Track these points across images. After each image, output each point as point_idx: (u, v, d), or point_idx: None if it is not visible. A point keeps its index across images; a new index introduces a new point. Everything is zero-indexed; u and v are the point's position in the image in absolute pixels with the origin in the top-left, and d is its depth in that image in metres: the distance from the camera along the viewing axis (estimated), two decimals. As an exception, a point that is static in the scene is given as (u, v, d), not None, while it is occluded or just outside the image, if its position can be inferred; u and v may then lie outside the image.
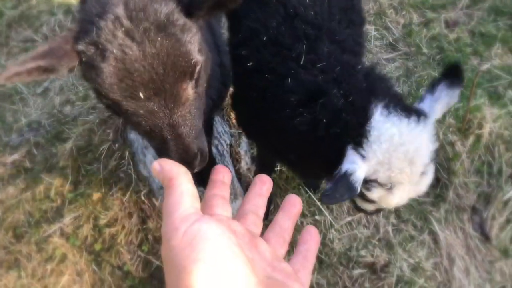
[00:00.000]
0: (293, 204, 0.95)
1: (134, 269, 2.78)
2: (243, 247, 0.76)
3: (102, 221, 2.81)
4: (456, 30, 3.72)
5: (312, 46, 1.79)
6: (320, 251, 2.67)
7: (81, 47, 1.15)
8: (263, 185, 0.96)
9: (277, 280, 0.77)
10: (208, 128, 2.37)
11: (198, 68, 1.23)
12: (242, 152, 2.90)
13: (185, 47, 1.17)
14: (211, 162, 2.62)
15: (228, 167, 2.77)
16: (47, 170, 3.09)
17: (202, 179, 2.63)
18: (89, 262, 2.80)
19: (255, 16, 1.94)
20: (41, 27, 3.92)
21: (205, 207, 0.87)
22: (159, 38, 1.13)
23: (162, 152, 1.26)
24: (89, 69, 1.15)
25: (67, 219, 2.88)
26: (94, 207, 2.87)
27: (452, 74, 1.66)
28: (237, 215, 0.92)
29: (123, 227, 2.79)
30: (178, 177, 0.83)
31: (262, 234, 0.91)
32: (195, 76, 1.23)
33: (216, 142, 2.81)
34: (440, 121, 3.03)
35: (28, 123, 3.37)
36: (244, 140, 2.96)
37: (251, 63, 1.88)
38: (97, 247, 2.81)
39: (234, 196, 2.72)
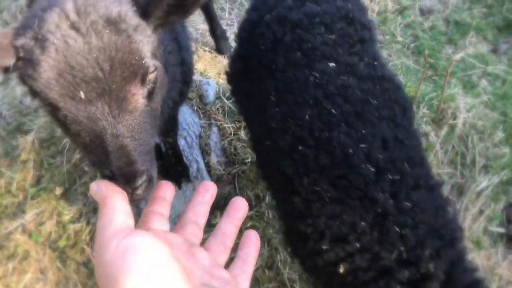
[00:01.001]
0: (238, 209, 0.93)
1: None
2: (179, 257, 0.76)
3: (66, 217, 2.69)
4: (431, 18, 3.68)
5: None
6: (292, 245, 2.61)
7: (20, 41, 1.03)
8: (207, 192, 0.94)
9: (214, 287, 0.77)
10: (173, 122, 2.27)
11: (151, 75, 1.11)
12: (212, 144, 2.80)
13: (136, 46, 1.06)
14: (178, 157, 2.53)
15: (197, 159, 2.69)
16: (8, 164, 2.95)
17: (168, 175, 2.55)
18: (53, 259, 2.68)
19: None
20: (1, 12, 3.73)
21: (141, 223, 0.86)
22: (107, 31, 1.02)
23: (101, 166, 1.07)
24: (26, 65, 1.02)
25: (29, 215, 2.75)
26: (57, 202, 2.75)
27: None
28: (178, 224, 0.91)
29: (88, 222, 2.68)
30: (113, 196, 0.82)
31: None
32: (147, 83, 1.10)
33: (184, 133, 2.71)
34: (414, 111, 2.98)
35: (-13, 114, 3.21)
36: (214, 131, 2.86)
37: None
38: (61, 243, 2.69)
39: (203, 190, 2.64)
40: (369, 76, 1.71)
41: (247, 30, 1.99)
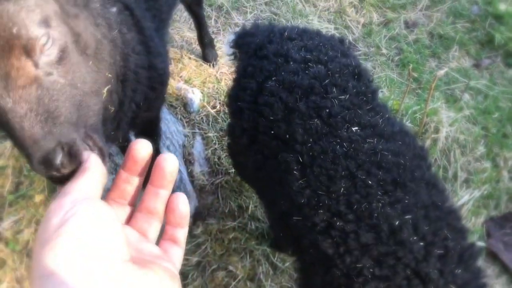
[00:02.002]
0: (162, 173, 0.80)
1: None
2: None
3: (45, 225, 2.63)
4: (415, 31, 3.71)
5: None
6: (273, 256, 2.60)
7: None
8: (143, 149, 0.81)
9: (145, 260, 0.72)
10: (151, 130, 2.24)
11: (40, 41, 1.00)
12: (196, 153, 2.78)
13: (9, 15, 0.96)
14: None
15: (180, 169, 2.66)
16: (-14, 170, 2.89)
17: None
18: (30, 269, 2.62)
19: None
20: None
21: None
22: None
23: (24, 154, 0.98)
24: None
25: (7, 222, 2.69)
26: (36, 209, 2.69)
27: None
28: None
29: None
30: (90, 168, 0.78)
31: None
32: (37, 53, 1.00)
33: (168, 142, 2.69)
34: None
35: (-34, 118, 3.13)
36: (198, 141, 2.84)
37: None
38: (39, 252, 2.63)
39: (186, 200, 2.61)
40: (392, 133, 1.65)
41: (246, 100, 1.84)
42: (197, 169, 2.74)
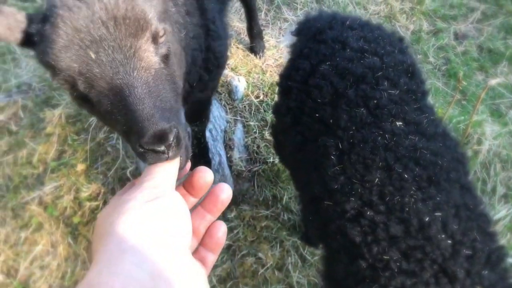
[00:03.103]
0: (217, 200, 0.90)
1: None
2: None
3: (84, 194, 2.71)
4: (464, 43, 3.67)
5: None
6: (303, 248, 2.61)
7: (34, 27, 1.11)
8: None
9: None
10: (200, 111, 2.28)
11: (162, 37, 1.14)
12: (236, 140, 2.81)
13: (139, 4, 1.09)
14: (203, 150, 2.54)
15: (220, 153, 2.70)
16: (32, 135, 2.98)
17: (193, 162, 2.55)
18: (65, 235, 2.70)
19: None
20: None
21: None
22: None
23: (131, 135, 1.05)
24: (42, 48, 1.08)
25: (48, 187, 2.77)
26: (77, 178, 2.77)
27: None
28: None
29: (105, 202, 2.70)
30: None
31: None
32: (159, 43, 1.13)
33: (210, 126, 2.73)
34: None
35: (17, 84, 3.24)
36: (239, 128, 2.88)
37: None
38: (76, 220, 2.71)
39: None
40: (434, 134, 1.65)
41: (297, 80, 1.84)
42: (236, 155, 2.77)
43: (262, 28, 3.37)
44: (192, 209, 0.87)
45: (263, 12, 3.60)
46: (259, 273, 2.50)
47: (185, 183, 0.89)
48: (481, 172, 2.89)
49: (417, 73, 1.82)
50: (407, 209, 1.49)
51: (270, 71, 3.20)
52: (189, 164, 0.86)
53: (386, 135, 1.60)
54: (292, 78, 1.86)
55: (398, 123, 1.62)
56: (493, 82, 2.38)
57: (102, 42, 1.03)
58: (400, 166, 1.55)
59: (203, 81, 1.88)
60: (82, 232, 2.70)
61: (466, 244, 1.45)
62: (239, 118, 2.92)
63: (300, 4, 3.68)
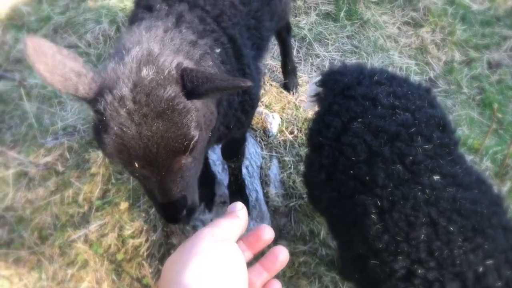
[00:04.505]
0: (276, 260, 0.94)
1: (153, 283, 2.76)
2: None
3: (127, 232, 2.81)
4: (498, 71, 3.66)
5: None
6: (342, 284, 2.61)
7: (94, 108, 1.29)
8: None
9: None
10: (235, 149, 2.37)
11: (193, 142, 1.32)
12: (272, 176, 2.88)
13: (181, 130, 1.28)
14: (240, 187, 2.61)
15: (256, 189, 2.76)
16: (78, 175, 3.13)
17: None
18: (109, 271, 2.79)
19: None
20: (86, 34, 4.01)
21: None
22: (155, 123, 1.23)
23: (155, 205, 1.48)
24: (97, 132, 1.30)
25: (93, 226, 2.89)
26: (120, 216, 2.88)
27: None
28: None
29: (147, 239, 2.79)
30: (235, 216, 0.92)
31: None
32: (190, 149, 1.33)
33: (247, 162, 2.80)
34: (477, 163, 2.95)
35: (64, 126, 3.43)
36: (274, 164, 2.94)
37: None
38: (119, 257, 2.81)
39: (260, 219, 2.70)
40: (470, 183, 1.68)
41: (328, 137, 1.88)
42: (272, 190, 2.83)
43: (295, 65, 3.47)
44: (249, 265, 0.92)
45: (295, 49, 3.70)
46: (299, 309, 2.51)
47: (244, 238, 0.95)
48: (522, 203, 2.84)
49: (448, 125, 1.85)
50: (458, 261, 1.49)
51: (303, 107, 3.27)
52: (247, 220, 0.93)
53: (426, 190, 1.62)
54: (323, 135, 1.90)
55: (436, 177, 1.65)
56: (528, 113, 2.37)
57: (144, 158, 1.27)
58: (444, 220, 1.56)
59: (240, 122, 1.97)
60: (125, 268, 2.79)
61: None
62: (274, 154, 2.99)
63: (331, 40, 3.77)
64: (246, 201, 2.63)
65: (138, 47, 1.32)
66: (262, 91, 3.31)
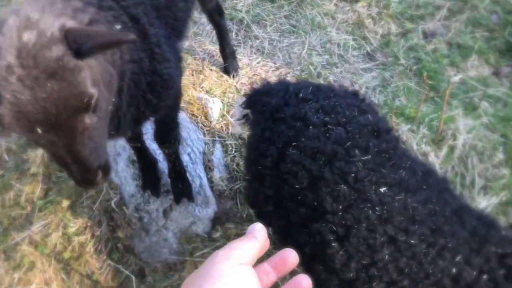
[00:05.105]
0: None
1: (103, 279, 2.73)
2: None
3: (71, 229, 2.76)
4: (433, 41, 3.74)
5: None
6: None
7: None
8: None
9: None
10: (165, 133, 2.36)
11: (94, 100, 1.31)
12: (215, 160, 2.87)
13: (77, 89, 1.27)
14: (180, 173, 2.60)
15: (200, 175, 2.75)
16: (18, 177, 3.04)
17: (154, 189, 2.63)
18: (58, 271, 2.75)
19: None
20: None
21: None
22: (48, 84, 1.22)
23: (69, 173, 1.45)
24: None
25: (36, 226, 2.83)
26: (63, 214, 2.82)
27: None
28: None
29: (93, 235, 2.75)
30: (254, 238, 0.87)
31: None
32: (92, 107, 1.31)
33: (189, 149, 2.79)
34: (414, 131, 3.03)
35: None
36: (218, 148, 2.94)
37: None
38: (66, 255, 2.76)
39: (205, 205, 2.70)
40: (417, 183, 1.65)
41: (267, 167, 1.79)
42: (216, 175, 2.83)
43: (234, 48, 3.45)
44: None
45: (233, 33, 3.68)
46: (248, 289, 2.53)
47: (270, 261, 0.90)
48: (458, 166, 2.94)
49: (382, 128, 1.82)
50: (430, 271, 1.47)
51: (245, 89, 3.27)
52: (267, 241, 0.92)
53: (376, 207, 1.57)
54: (261, 164, 1.82)
55: (382, 189, 1.61)
56: (456, 78, 2.45)
57: (45, 122, 1.25)
58: (402, 234, 1.53)
59: (151, 104, 1.93)
60: (74, 266, 2.75)
61: (496, 268, 1.48)
62: (217, 138, 2.99)
63: (269, 21, 3.77)
64: (188, 188, 2.62)
65: (14, 15, 1.29)
66: (202, 76, 3.29)
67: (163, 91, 1.92)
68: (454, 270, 1.47)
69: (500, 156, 3.00)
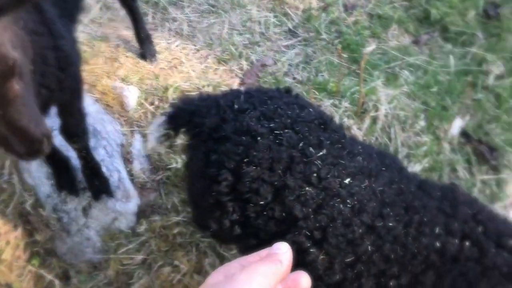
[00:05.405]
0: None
1: (25, 286, 2.58)
2: None
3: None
4: (354, 13, 3.73)
5: None
6: (220, 246, 2.59)
7: None
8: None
9: None
10: (75, 123, 2.24)
11: (17, 63, 1.27)
12: (135, 152, 2.75)
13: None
14: (94, 169, 2.46)
15: (118, 169, 2.63)
16: None
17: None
18: None
19: None
20: None
21: None
22: None
23: (6, 147, 1.39)
24: None
25: None
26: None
27: None
28: None
29: (8, 242, 2.58)
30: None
31: None
32: (17, 71, 1.28)
33: (104, 142, 2.65)
34: (337, 106, 3.02)
35: None
36: (137, 139, 2.81)
37: None
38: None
39: (126, 199, 2.58)
40: (376, 166, 1.64)
41: (225, 193, 1.66)
42: (137, 167, 2.71)
43: (151, 32, 3.30)
44: None
45: (150, 16, 3.53)
46: (176, 280, 2.46)
47: (284, 283, 0.79)
48: (382, 137, 2.96)
49: (327, 119, 1.77)
50: (416, 251, 1.46)
51: (164, 75, 3.15)
52: (290, 265, 0.81)
53: (347, 200, 1.53)
54: (217, 191, 1.67)
55: (347, 181, 1.57)
56: (368, 49, 2.43)
57: None
58: (378, 219, 1.50)
59: (61, 81, 1.84)
60: (-9, 275, 2.58)
61: (475, 230, 1.51)
62: (136, 128, 2.86)
63: (187, 2, 3.63)
64: (105, 183, 2.49)
65: None
66: (116, 64, 3.13)
67: (67, 68, 1.85)
68: (437, 243, 1.47)
69: (421, 123, 3.04)
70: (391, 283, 1.47)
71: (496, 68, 3.35)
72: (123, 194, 2.57)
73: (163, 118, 2.03)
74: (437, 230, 1.49)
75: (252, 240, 1.69)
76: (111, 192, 2.52)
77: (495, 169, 2.93)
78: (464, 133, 3.03)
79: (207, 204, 1.74)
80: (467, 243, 1.47)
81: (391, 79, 3.30)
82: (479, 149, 2.96)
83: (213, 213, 1.74)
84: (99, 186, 2.48)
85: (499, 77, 3.33)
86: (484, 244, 1.47)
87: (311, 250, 1.52)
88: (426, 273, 1.46)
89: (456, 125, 3.05)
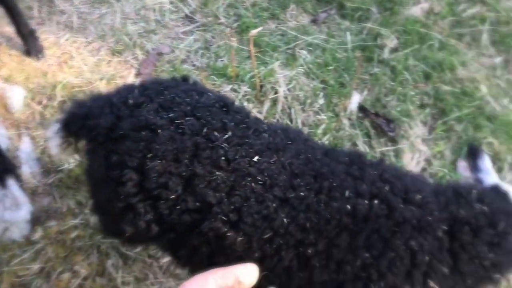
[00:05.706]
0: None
1: None
2: None
3: None
4: (252, -5, 3.69)
5: None
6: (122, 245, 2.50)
7: None
8: None
9: None
10: None
11: None
12: (23, 155, 2.59)
13: None
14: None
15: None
16: None
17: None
18: None
19: None
20: None
21: None
22: None
23: None
24: None
25: None
26: None
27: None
28: None
29: None
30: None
31: None
32: None
33: (-14, 149, 2.46)
34: (236, 91, 2.99)
35: None
36: (25, 141, 2.64)
37: None
38: None
39: (16, 207, 2.42)
40: (281, 140, 1.65)
41: (132, 194, 1.56)
42: (26, 171, 2.55)
43: (38, 26, 3.11)
44: None
45: (35, 10, 3.32)
46: (76, 285, 2.35)
47: None
48: (283, 119, 2.96)
49: (227, 102, 1.74)
50: (328, 216, 1.49)
51: (53, 71, 2.97)
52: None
53: (257, 177, 1.51)
54: (124, 193, 1.57)
55: (256, 158, 1.55)
56: (254, 32, 2.40)
57: None
58: (290, 191, 1.52)
59: None
60: None
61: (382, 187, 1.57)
62: (23, 131, 2.69)
63: (74, -8, 3.44)
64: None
65: None
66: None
67: None
68: (348, 206, 1.50)
69: (321, 101, 3.07)
70: (309, 251, 1.49)
71: (390, 41, 3.44)
72: (12, 202, 2.41)
73: (57, 125, 1.89)
74: (347, 193, 1.53)
75: (172, 234, 1.64)
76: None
77: (393, 141, 3.02)
78: (361, 108, 3.09)
79: (116, 209, 1.64)
80: (375, 202, 1.52)
81: (291, 59, 3.31)
82: (377, 122, 3.04)
83: (124, 217, 1.64)
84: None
85: (394, 50, 3.42)
86: (392, 201, 1.52)
87: (229, 234, 1.51)
88: (340, 236, 1.49)
89: (354, 101, 3.11)
